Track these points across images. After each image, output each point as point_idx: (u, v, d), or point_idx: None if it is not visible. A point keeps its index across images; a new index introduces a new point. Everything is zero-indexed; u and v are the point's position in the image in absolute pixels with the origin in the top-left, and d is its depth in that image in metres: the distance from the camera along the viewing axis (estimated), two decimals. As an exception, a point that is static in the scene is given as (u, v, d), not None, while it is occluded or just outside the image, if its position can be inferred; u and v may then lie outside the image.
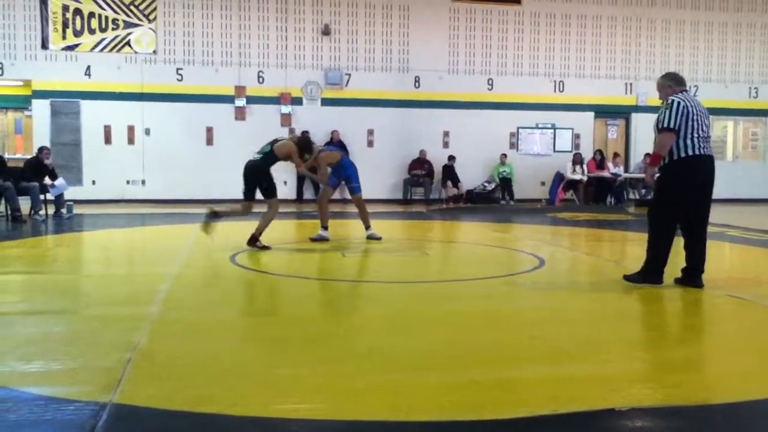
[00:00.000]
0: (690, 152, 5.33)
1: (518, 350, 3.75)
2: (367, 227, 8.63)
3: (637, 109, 16.95)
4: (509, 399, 2.94)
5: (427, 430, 2.65)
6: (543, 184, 16.46)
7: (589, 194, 16.08)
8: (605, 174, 16.07)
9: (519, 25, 16.34)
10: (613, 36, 16.77)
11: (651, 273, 5.53)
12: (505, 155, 16.03)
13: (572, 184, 16.11)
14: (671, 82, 5.66)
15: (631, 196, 16.64)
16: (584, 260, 7.74)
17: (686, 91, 5.60)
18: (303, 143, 7.95)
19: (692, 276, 5.48)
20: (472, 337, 4.04)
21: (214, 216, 7.87)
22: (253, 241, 7.63)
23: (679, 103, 5.36)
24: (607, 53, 16.76)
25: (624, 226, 11.19)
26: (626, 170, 16.73)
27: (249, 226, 8.14)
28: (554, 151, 16.67)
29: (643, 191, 16.50)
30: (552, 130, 16.70)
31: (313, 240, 8.35)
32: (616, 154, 16.70)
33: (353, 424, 2.67)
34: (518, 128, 16.51)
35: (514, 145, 16.49)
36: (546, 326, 4.33)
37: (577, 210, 14.27)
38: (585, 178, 15.95)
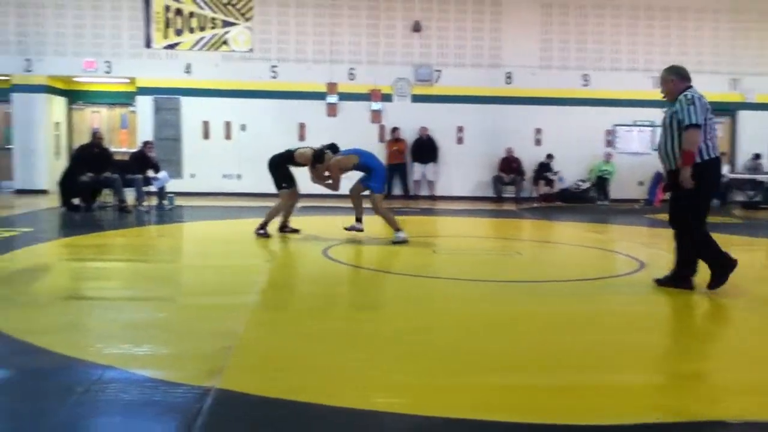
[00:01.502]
0: (712, 154, 5.10)
1: (616, 355, 3.62)
2: (397, 229, 7.92)
3: (744, 106, 16.03)
4: (607, 405, 2.85)
5: (517, 430, 2.60)
6: (641, 184, 15.85)
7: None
8: (708, 174, 15.31)
9: (616, 18, 15.78)
10: (718, 29, 15.93)
11: (683, 279, 5.32)
12: (610, 154, 15.52)
13: (717, 185, 15.39)
14: (674, 76, 5.33)
15: (738, 197, 15.77)
16: (685, 263, 7.38)
17: (692, 86, 5.29)
18: (315, 156, 8.24)
19: (682, 279, 5.33)
20: (565, 339, 3.93)
21: (262, 229, 8.28)
22: (259, 229, 8.19)
23: (699, 97, 5.11)
24: (711, 47, 15.94)
25: (729, 230, 10.62)
26: (732, 170, 15.88)
27: (341, 221, 8.27)
28: (653, 149, 16.01)
29: (751, 192, 15.63)
30: (651, 128, 16.05)
31: (348, 229, 8.21)
32: (723, 154, 15.85)
33: (445, 420, 2.65)
34: (615, 126, 15.97)
35: (610, 143, 15.96)
36: (646, 331, 4.16)
37: (651, 210, 13.67)
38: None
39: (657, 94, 17.41)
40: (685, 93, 5.17)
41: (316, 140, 14.94)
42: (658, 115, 15.81)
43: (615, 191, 15.55)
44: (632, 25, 15.81)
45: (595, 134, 15.83)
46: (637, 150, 16.04)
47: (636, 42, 15.84)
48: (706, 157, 5.09)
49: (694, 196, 5.13)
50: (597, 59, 15.78)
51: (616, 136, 16.01)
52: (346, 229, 8.20)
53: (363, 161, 8.10)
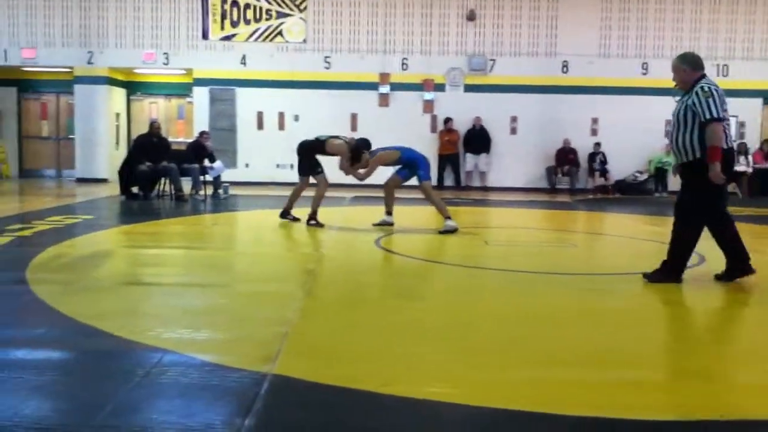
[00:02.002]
0: (728, 144, 4.89)
1: (678, 352, 3.52)
2: (447, 218, 7.89)
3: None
4: (668, 401, 2.78)
5: (579, 424, 2.55)
6: (701, 175, 15.36)
7: (754, 187, 14.83)
8: (773, 166, 14.76)
9: (679, 3, 15.28)
10: (789, 13, 15.27)
11: (672, 274, 5.13)
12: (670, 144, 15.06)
13: (735, 177, 14.91)
14: (687, 66, 5.08)
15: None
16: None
17: (706, 75, 5.05)
18: (354, 150, 8.15)
19: (743, 265, 5.15)
20: (625, 334, 3.83)
21: (282, 214, 8.52)
22: (309, 219, 8.26)
23: (717, 89, 4.89)
24: (783, 33, 15.30)
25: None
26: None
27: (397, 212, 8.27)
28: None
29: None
30: (713, 118, 15.52)
31: (377, 225, 8.15)
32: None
33: (504, 412, 2.62)
34: (674, 115, 15.49)
35: (669, 134, 15.49)
36: (708, 329, 4.03)
37: (741, 204, 13.19)
38: (750, 170, 14.72)
39: (721, 83, 16.82)
40: (701, 85, 4.94)
41: (368, 131, 15.07)
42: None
43: (674, 183, 15.10)
44: (696, 11, 15.29)
45: (654, 124, 15.38)
46: (698, 141, 15.52)
47: (699, 28, 15.32)
48: (724, 147, 4.89)
49: (705, 190, 4.94)
50: (657, 47, 15.33)
51: (676, 126, 15.52)
52: (375, 224, 8.14)
53: (405, 156, 8.08)
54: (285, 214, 8.60)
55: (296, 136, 15.44)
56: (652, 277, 5.19)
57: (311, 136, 8.54)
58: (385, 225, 8.11)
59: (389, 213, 8.23)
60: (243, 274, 5.69)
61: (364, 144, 8.29)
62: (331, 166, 8.60)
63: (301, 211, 8.58)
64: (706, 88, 4.91)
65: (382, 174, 8.38)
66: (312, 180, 8.53)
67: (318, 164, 8.45)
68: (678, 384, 2.99)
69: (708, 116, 4.83)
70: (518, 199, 13.43)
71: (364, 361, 3.19)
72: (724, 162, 4.93)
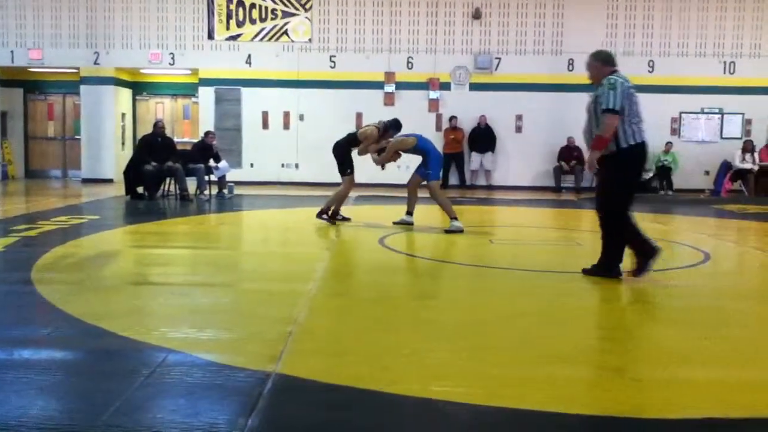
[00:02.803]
0: (638, 139, 4.94)
1: (684, 350, 3.50)
2: (453, 218, 7.87)
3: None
4: (675, 400, 2.76)
5: (586, 423, 2.55)
6: (707, 173, 15.32)
7: (761, 185, 14.76)
8: (779, 163, 14.68)
9: (685, 2, 15.22)
10: (796, 11, 15.19)
11: (609, 267, 5.15)
12: (670, 143, 15.03)
13: (741, 174, 14.87)
14: (597, 62, 5.19)
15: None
16: (754, 256, 7.12)
17: (618, 71, 5.11)
18: (384, 131, 8.27)
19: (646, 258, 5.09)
20: (631, 333, 3.83)
21: (331, 217, 8.48)
22: (321, 214, 8.35)
23: (622, 83, 4.93)
24: (788, 30, 15.22)
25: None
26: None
27: (395, 210, 8.26)
28: (721, 138, 15.44)
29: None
30: (719, 116, 15.47)
31: (397, 223, 8.21)
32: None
33: (511, 412, 2.61)
34: (681, 113, 15.45)
35: (675, 131, 15.45)
36: (714, 326, 4.01)
37: (746, 202, 13.16)
38: (756, 168, 14.66)
39: (728, 80, 16.77)
40: (608, 77, 5.01)
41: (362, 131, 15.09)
42: (727, 101, 15.27)
43: (680, 181, 15.06)
44: (702, 8, 15.23)
45: (661, 122, 15.32)
46: (703, 138, 15.50)
47: (706, 26, 15.26)
48: (631, 142, 4.94)
49: (619, 182, 5.01)
50: (663, 44, 15.28)
51: (682, 123, 15.49)
52: (396, 222, 8.22)
53: (420, 144, 8.09)
54: (335, 215, 8.55)
55: (302, 136, 15.60)
56: (590, 272, 5.24)
57: (338, 138, 8.68)
58: (405, 224, 8.13)
59: (410, 213, 8.25)
60: (248, 274, 5.69)
61: (394, 123, 8.40)
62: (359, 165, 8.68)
63: (353, 211, 8.57)
64: (612, 80, 4.98)
65: (391, 174, 8.39)
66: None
67: (350, 164, 8.49)
68: (689, 383, 2.98)
69: (605, 106, 4.90)
70: (523, 197, 13.41)
71: (371, 360, 3.18)
72: (636, 156, 5.00)
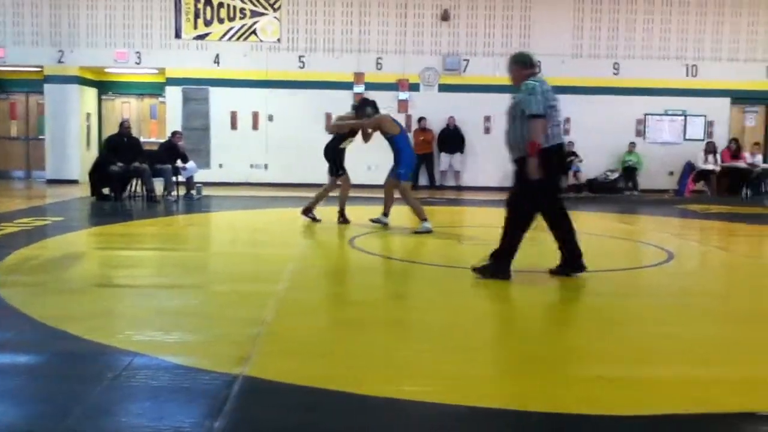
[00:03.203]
0: (553, 141, 4.99)
1: (647, 348, 3.57)
2: (423, 219, 7.83)
3: (780, 94, 15.70)
4: (638, 397, 2.82)
5: (551, 421, 2.59)
6: (671, 174, 15.61)
7: (722, 185, 15.10)
8: (741, 164, 15.02)
9: (649, 5, 15.49)
10: (756, 15, 15.55)
11: (502, 266, 5.12)
12: (633, 144, 15.29)
13: (704, 175, 15.18)
14: (516, 65, 5.27)
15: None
16: (717, 255, 7.29)
17: (537, 73, 5.21)
18: (358, 107, 8.49)
19: (576, 262, 5.15)
20: (596, 331, 3.89)
21: (309, 212, 8.61)
22: (306, 212, 8.57)
23: (541, 85, 5.02)
24: (747, 34, 15.58)
25: (761, 220, 10.44)
26: (765, 160, 15.56)
27: (366, 211, 8.27)
28: (684, 139, 15.75)
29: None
30: (682, 117, 15.78)
31: (373, 221, 8.23)
32: (757, 144, 15.54)
33: (478, 410, 2.64)
34: (645, 115, 15.72)
35: (640, 133, 15.72)
36: (677, 323, 4.10)
37: (709, 202, 13.44)
38: (718, 169, 14.99)
39: (690, 83, 16.99)
40: (526, 81, 5.06)
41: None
42: (690, 104, 15.58)
43: (645, 181, 15.33)
44: (666, 12, 15.52)
45: (626, 123, 15.61)
46: (667, 140, 15.79)
47: (669, 29, 15.55)
48: (545, 145, 4.98)
49: (532, 183, 5.02)
50: (628, 47, 15.54)
51: (646, 125, 15.76)
52: (372, 220, 8.23)
53: (398, 139, 8.00)
54: (307, 211, 8.69)
55: (271, 136, 15.51)
56: (481, 271, 5.21)
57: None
58: (380, 223, 8.15)
59: (386, 214, 8.25)
60: (216, 275, 5.65)
61: (372, 102, 8.47)
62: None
63: (324, 212, 8.53)
64: (530, 84, 5.02)
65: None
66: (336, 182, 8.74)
67: (341, 164, 8.54)
68: (651, 380, 3.04)
69: (528, 112, 4.96)
70: (492, 198, 13.51)
71: (339, 361, 3.19)
72: (552, 158, 5.01)
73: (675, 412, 2.64)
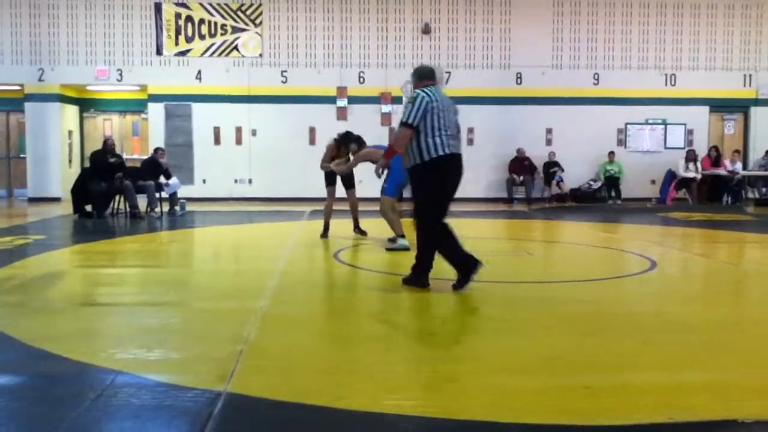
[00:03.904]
0: (441, 151, 5.01)
1: (629, 356, 3.59)
2: (399, 235, 7.63)
3: (757, 102, 15.93)
4: (621, 405, 2.83)
5: (534, 432, 2.60)
6: (653, 182, 15.77)
7: (703, 193, 15.27)
8: (721, 172, 15.20)
9: (627, 16, 15.71)
10: (731, 25, 15.81)
11: (419, 275, 5.21)
12: (612, 153, 15.43)
13: (685, 183, 15.35)
14: (413, 77, 5.37)
15: (750, 195, 15.65)
16: (698, 262, 7.35)
17: (434, 85, 5.23)
18: (341, 140, 8.49)
19: (467, 272, 5.17)
20: (579, 340, 3.91)
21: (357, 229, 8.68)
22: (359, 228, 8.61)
23: (422, 98, 5.03)
24: (723, 43, 15.83)
25: (742, 227, 10.56)
26: (744, 167, 15.76)
27: (350, 224, 8.27)
28: (665, 147, 15.93)
29: (764, 189, 15.50)
30: (663, 126, 15.97)
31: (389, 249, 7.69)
32: (736, 151, 15.75)
33: (460, 423, 2.64)
34: (626, 124, 15.89)
35: (621, 142, 15.88)
36: (658, 331, 4.13)
37: (691, 210, 13.58)
38: (699, 176, 15.16)
39: (669, 92, 17.23)
40: (416, 90, 5.15)
41: (326, 144, 15.11)
42: (669, 113, 15.77)
43: (627, 190, 15.47)
44: (643, 23, 15.74)
45: (607, 133, 15.77)
46: (648, 148, 15.96)
47: (647, 39, 15.77)
48: (434, 155, 5.02)
49: (426, 194, 5.12)
50: (607, 58, 15.72)
51: (627, 134, 15.92)
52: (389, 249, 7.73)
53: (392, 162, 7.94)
54: (357, 229, 8.74)
55: (254, 151, 15.49)
56: (407, 281, 5.29)
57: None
58: (400, 249, 7.52)
59: (401, 235, 7.67)
60: (200, 292, 5.62)
61: (357, 138, 8.50)
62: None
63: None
64: (416, 94, 5.10)
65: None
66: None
67: (330, 178, 8.63)
68: (631, 387, 3.05)
69: (401, 119, 5.08)
70: (476, 209, 13.57)
71: (322, 376, 3.18)
72: (441, 168, 5.05)
73: (659, 420, 2.66)
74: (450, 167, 5.14)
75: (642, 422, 2.64)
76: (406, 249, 7.30)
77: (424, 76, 5.31)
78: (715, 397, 2.92)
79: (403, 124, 5.04)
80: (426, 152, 5.04)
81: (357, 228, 8.68)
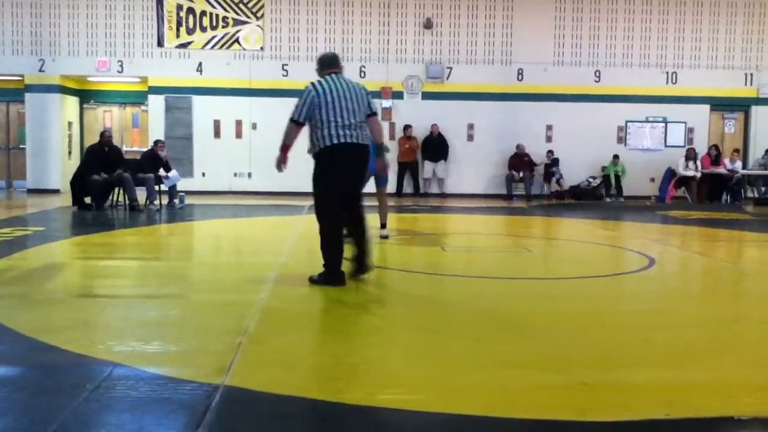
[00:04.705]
0: (328, 142, 4.98)
1: (627, 352, 3.60)
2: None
3: (758, 101, 15.91)
4: (619, 402, 2.84)
5: (532, 428, 2.60)
6: (653, 180, 15.77)
7: (702, 192, 15.27)
8: (721, 170, 15.19)
9: (629, 13, 15.68)
10: (733, 23, 15.79)
11: (331, 275, 5.11)
12: (617, 156, 15.31)
13: (684, 181, 15.35)
14: (317, 66, 5.32)
15: (750, 194, 15.65)
16: (697, 260, 7.36)
17: (336, 72, 5.18)
18: None
19: (360, 264, 5.19)
20: (578, 337, 3.91)
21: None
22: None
23: (308, 93, 5.04)
24: (725, 42, 15.81)
25: (741, 226, 10.57)
26: (744, 166, 15.76)
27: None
28: (665, 146, 15.92)
29: (764, 188, 15.51)
30: (663, 124, 15.96)
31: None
32: (737, 150, 15.74)
33: (457, 417, 2.65)
34: (627, 122, 15.88)
35: (622, 140, 15.87)
36: (657, 329, 4.13)
37: (690, 208, 13.59)
38: (699, 175, 15.15)
39: (670, 90, 17.22)
40: (308, 84, 5.12)
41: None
42: (670, 111, 15.76)
43: (626, 188, 15.48)
44: (646, 20, 15.71)
45: (607, 130, 15.77)
46: (649, 146, 15.95)
47: (649, 37, 15.74)
48: (321, 147, 5.03)
49: (318, 186, 5.09)
50: (609, 55, 15.70)
51: (628, 132, 15.91)
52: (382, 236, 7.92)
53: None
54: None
55: (255, 145, 15.47)
56: (316, 280, 5.19)
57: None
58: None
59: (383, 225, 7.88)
60: (198, 285, 5.62)
61: None
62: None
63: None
64: (306, 88, 5.10)
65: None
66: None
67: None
68: (630, 384, 3.06)
69: (290, 115, 5.12)
70: (476, 205, 13.58)
71: (320, 370, 3.19)
72: (328, 159, 5.01)
73: (656, 417, 2.66)
74: (338, 158, 5.02)
75: (639, 418, 2.65)
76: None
77: (326, 64, 5.26)
78: (712, 394, 2.93)
79: (290, 119, 5.10)
80: (317, 145, 5.07)
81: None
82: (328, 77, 5.13)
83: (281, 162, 5.34)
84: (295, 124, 5.09)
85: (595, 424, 2.62)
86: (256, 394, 2.83)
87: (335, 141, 4.99)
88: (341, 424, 2.60)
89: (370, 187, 8.32)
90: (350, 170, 5.12)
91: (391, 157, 13.88)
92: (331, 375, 3.09)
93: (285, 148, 5.26)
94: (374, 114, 5.28)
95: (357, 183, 5.26)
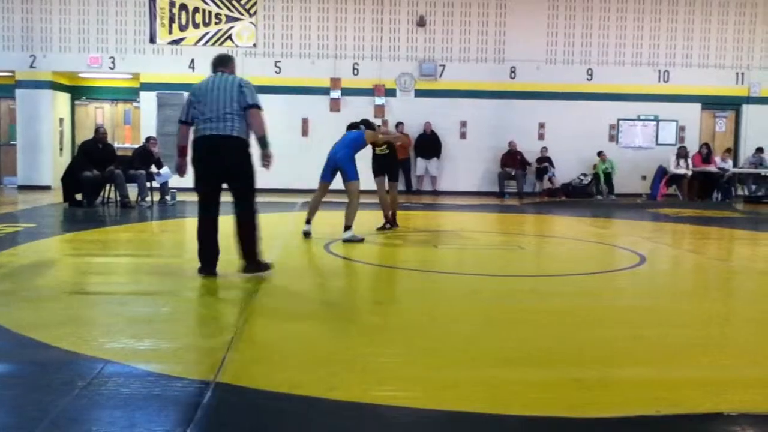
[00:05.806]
0: (192, 138, 5.19)
1: (619, 350, 3.62)
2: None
3: (749, 100, 16.00)
4: (610, 399, 2.85)
5: (525, 424, 2.61)
6: (644, 178, 15.83)
7: (693, 190, 15.34)
8: (711, 169, 15.27)
9: (622, 12, 15.73)
10: (725, 23, 15.87)
11: (203, 264, 5.28)
12: (602, 152, 15.36)
13: (675, 179, 15.42)
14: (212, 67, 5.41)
15: (740, 192, 15.74)
16: (687, 258, 7.40)
17: (223, 71, 5.29)
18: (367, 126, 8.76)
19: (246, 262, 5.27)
20: (570, 334, 3.93)
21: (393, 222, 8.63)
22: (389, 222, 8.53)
23: (188, 95, 5.26)
24: (717, 41, 15.89)
25: (731, 224, 10.62)
26: (735, 165, 15.84)
27: (340, 215, 8.25)
28: (657, 144, 15.99)
29: (754, 186, 15.59)
30: (655, 123, 16.02)
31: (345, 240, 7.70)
32: (728, 149, 15.82)
33: (450, 414, 2.65)
34: (618, 120, 15.94)
35: (613, 138, 15.93)
36: (648, 326, 4.15)
37: (681, 206, 13.65)
38: (689, 173, 15.22)
39: (662, 89, 17.31)
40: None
41: (319, 135, 15.09)
42: (662, 109, 15.82)
43: (618, 186, 15.54)
44: (638, 19, 15.77)
45: (599, 128, 15.83)
46: (640, 144, 16.01)
47: (641, 36, 15.80)
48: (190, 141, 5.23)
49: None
50: (601, 53, 15.75)
51: (620, 130, 15.97)
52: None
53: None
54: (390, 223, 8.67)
55: (246, 142, 15.39)
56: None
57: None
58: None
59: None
60: (191, 282, 5.59)
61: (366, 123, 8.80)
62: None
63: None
64: (190, 90, 5.30)
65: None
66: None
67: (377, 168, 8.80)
68: (621, 380, 3.07)
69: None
70: (468, 202, 13.60)
71: (312, 367, 3.18)
72: (194, 150, 5.21)
73: (646, 413, 2.67)
74: (195, 150, 5.19)
75: (629, 415, 2.66)
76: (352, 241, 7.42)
77: (215, 65, 5.37)
78: (702, 391, 2.95)
79: (178, 120, 5.35)
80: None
81: (393, 221, 8.64)
82: (209, 77, 5.28)
83: (178, 166, 5.47)
84: (182, 123, 5.29)
85: (587, 420, 2.63)
86: (248, 391, 2.82)
87: (195, 136, 5.18)
88: (334, 420, 2.60)
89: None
90: (206, 162, 5.19)
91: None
92: (324, 372, 3.09)
93: (180, 150, 5.38)
94: (252, 107, 5.27)
95: (220, 175, 5.31)
